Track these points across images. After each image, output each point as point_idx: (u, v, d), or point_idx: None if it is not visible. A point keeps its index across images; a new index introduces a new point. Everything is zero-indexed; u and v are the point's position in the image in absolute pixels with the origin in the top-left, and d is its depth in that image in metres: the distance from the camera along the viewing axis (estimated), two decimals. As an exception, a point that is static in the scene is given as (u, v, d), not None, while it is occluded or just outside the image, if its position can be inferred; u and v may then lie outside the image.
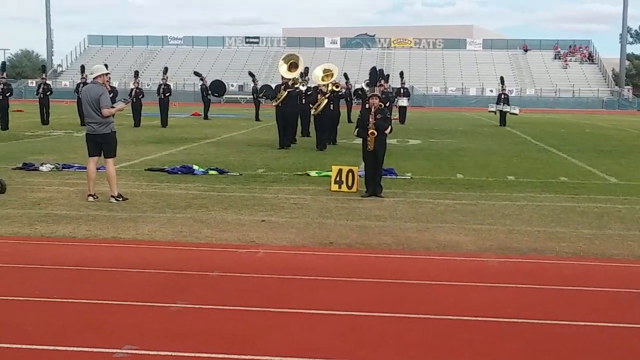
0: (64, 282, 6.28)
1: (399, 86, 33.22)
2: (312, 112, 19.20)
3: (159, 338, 4.91)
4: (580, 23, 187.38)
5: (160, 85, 28.76)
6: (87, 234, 8.21)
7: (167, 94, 28.21)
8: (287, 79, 18.85)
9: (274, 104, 19.01)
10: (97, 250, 7.50)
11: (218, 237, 8.13)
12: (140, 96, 26.90)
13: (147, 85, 28.64)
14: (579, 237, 8.36)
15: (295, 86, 19.15)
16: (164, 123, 27.34)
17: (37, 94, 28.41)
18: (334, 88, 20.31)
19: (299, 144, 19.73)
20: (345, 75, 31.62)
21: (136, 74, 28.07)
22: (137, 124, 26.59)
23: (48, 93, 28.03)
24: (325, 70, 19.78)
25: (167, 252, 7.45)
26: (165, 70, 29.75)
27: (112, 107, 10.41)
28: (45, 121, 27.29)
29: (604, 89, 72.93)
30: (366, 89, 21.54)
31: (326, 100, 18.54)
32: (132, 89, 26.92)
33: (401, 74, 33.65)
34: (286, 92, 18.51)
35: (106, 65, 21.68)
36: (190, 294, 5.96)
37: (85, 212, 9.42)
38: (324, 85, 18.94)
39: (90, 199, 10.25)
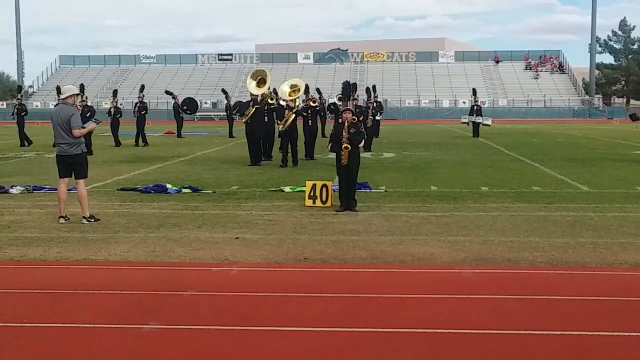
0: (34, 306, 6.16)
1: (372, 100, 33.27)
2: (279, 128, 18.91)
3: (130, 361, 4.83)
4: (550, 34, 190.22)
5: (136, 103, 28.57)
6: (57, 256, 8.09)
7: (142, 112, 28.02)
8: (256, 95, 18.71)
9: (243, 121, 18.85)
10: (67, 273, 7.38)
11: (191, 256, 8.05)
12: (118, 115, 26.65)
13: (121, 105, 28.20)
14: (552, 246, 8.40)
15: (271, 102, 19.09)
16: (144, 141, 27.19)
17: (12, 115, 28.16)
18: (311, 104, 20.54)
19: (274, 160, 19.68)
20: (318, 90, 31.79)
21: (114, 93, 27.63)
22: (117, 143, 26.36)
23: (22, 114, 27.67)
24: (292, 86, 19.54)
25: (139, 273, 7.36)
26: (142, 88, 29.53)
27: (83, 128, 10.30)
28: (27, 142, 27.06)
29: (574, 98, 73.88)
30: (339, 103, 21.55)
31: (294, 116, 18.27)
32: (109, 108, 26.58)
33: (373, 87, 33.72)
34: (254, 109, 18.38)
35: (82, 86, 21.47)
36: (162, 314, 5.88)
37: (56, 234, 9.29)
38: (291, 100, 18.70)
39: (62, 220, 10.12)
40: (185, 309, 6.06)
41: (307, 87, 22.63)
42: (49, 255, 8.11)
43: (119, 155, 22.43)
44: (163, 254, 8.14)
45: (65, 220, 10.13)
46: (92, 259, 7.94)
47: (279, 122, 18.88)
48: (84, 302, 6.28)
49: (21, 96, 29.82)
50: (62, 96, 10.58)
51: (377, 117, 32.04)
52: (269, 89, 19.53)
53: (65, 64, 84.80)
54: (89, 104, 25.56)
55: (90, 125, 10.90)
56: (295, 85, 19.59)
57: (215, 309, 6.06)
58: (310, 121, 20.45)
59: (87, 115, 24.35)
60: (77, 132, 10.11)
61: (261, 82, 19.02)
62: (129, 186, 13.93)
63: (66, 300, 6.35)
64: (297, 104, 18.94)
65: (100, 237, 9.07)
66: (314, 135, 20.59)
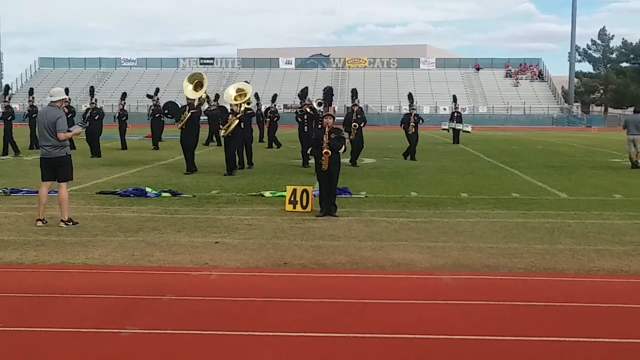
0: (10, 310, 6.09)
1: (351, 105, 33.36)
2: (221, 134, 17.99)
3: (107, 365, 4.79)
4: (530, 42, 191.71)
5: (151, 106, 28.83)
6: (35, 259, 8.01)
7: (156, 115, 27.95)
8: (192, 99, 17.75)
9: (178, 126, 17.77)
10: (44, 277, 7.31)
11: (170, 260, 8.01)
12: (124, 118, 26.43)
13: (100, 108, 27.71)
14: (531, 253, 8.45)
15: (248, 107, 18.57)
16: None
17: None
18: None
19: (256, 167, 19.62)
20: (256, 95, 32.52)
21: (91, 90, 26.72)
22: (94, 152, 25.63)
23: (9, 118, 24.91)
24: (238, 90, 18.58)
25: (118, 277, 7.30)
26: (156, 91, 29.23)
27: (69, 131, 10.24)
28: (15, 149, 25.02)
29: (553, 106, 74.51)
30: (318, 108, 21.25)
31: (237, 121, 17.30)
32: (87, 109, 25.19)
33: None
34: (190, 114, 17.41)
35: (67, 90, 20.91)
36: (140, 318, 5.83)
37: (34, 238, 9.20)
38: (235, 105, 17.80)
39: (39, 223, 10.02)
40: (163, 314, 6.02)
41: (274, 95, 21.79)
42: (25, 259, 8.02)
43: (98, 158, 22.27)
44: (142, 258, 8.09)
45: (43, 223, 10.03)
46: (69, 263, 7.87)
47: (221, 126, 17.93)
48: (61, 307, 6.22)
49: (9, 98, 28.29)
50: (52, 98, 10.41)
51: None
52: (245, 96, 18.58)
53: (44, 66, 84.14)
54: (97, 106, 25.24)
55: (75, 128, 10.83)
56: (242, 90, 18.65)
57: (194, 313, 6.02)
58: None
59: (96, 117, 24.17)
60: (62, 135, 10.06)
61: (198, 85, 18.11)
62: (108, 189, 13.83)
63: (43, 304, 6.28)
64: (242, 109, 18.10)
65: (78, 241, 9.00)
66: (248, 141, 19.37)
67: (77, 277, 7.26)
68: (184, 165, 17.62)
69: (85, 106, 26.76)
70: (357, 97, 20.76)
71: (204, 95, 18.60)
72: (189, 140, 17.71)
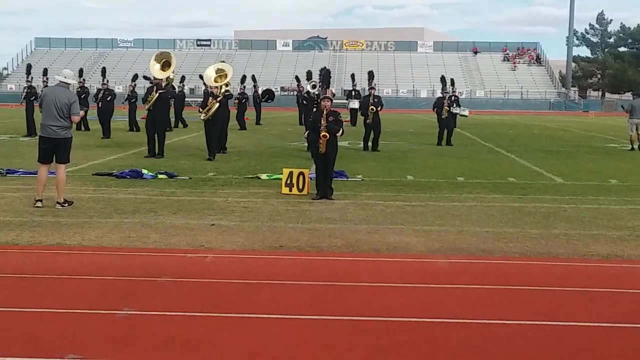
0: (6, 291, 6.10)
1: (350, 89, 33.36)
2: (201, 117, 17.02)
3: (104, 346, 4.80)
4: (528, 26, 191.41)
5: (129, 92, 28.18)
6: (30, 240, 8.01)
7: (132, 100, 27.48)
8: (159, 79, 17.06)
9: (145, 107, 17.15)
10: (40, 257, 7.32)
11: (166, 242, 8.01)
12: (134, 100, 25.84)
13: (112, 89, 27.25)
14: (526, 237, 8.48)
15: (226, 89, 17.47)
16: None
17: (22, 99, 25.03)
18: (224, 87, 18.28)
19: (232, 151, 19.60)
20: (253, 77, 34.37)
21: (103, 71, 26.32)
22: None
23: (32, 98, 24.01)
24: (218, 70, 17.59)
25: (114, 258, 7.31)
26: (135, 77, 28.45)
27: (79, 114, 10.30)
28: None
29: (551, 91, 74.52)
30: (312, 91, 20.97)
31: (217, 105, 16.59)
32: (99, 90, 25.10)
33: (352, 76, 33.74)
34: (158, 94, 16.80)
35: (81, 71, 20.02)
36: (137, 300, 5.85)
37: (30, 218, 9.19)
38: (215, 87, 16.99)
39: (38, 204, 9.96)
40: (159, 295, 6.03)
41: (243, 77, 20.76)
42: (21, 240, 8.02)
43: (95, 139, 22.23)
44: (138, 240, 8.10)
45: (42, 204, 10.00)
46: (65, 244, 7.87)
47: (200, 109, 17.07)
48: (57, 287, 6.23)
49: (84, 80, 27.17)
50: (65, 80, 10.29)
51: (354, 106, 32.22)
52: (226, 77, 17.49)
53: (40, 46, 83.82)
54: (110, 87, 25.12)
55: (81, 112, 10.79)
56: (222, 70, 17.63)
57: (190, 295, 6.04)
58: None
59: (108, 99, 24.13)
60: (76, 118, 10.16)
61: (166, 65, 17.35)
62: (104, 171, 13.82)
63: (39, 285, 6.29)
64: (222, 91, 17.19)
65: (75, 222, 8.99)
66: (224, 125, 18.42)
67: (73, 258, 7.27)
68: (181, 148, 17.59)
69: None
70: (373, 80, 20.39)
71: (171, 75, 17.85)
72: (157, 122, 17.06)
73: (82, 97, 25.97)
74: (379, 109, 19.61)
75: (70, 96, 10.11)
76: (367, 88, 20.70)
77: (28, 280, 6.43)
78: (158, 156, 16.70)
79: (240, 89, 30.61)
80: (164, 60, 17.44)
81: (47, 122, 10.06)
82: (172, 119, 26.45)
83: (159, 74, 17.21)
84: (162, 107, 17.30)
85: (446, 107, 21.70)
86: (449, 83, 22.81)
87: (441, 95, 22.75)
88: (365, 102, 19.89)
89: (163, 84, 17.14)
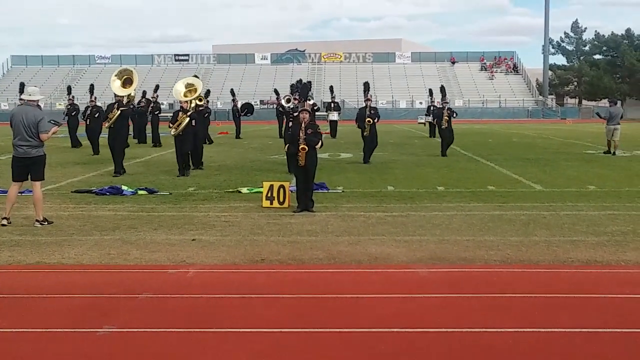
0: (-15, 312, 6.04)
1: (330, 100, 33.42)
2: (171, 132, 16.57)
3: (84, 365, 4.76)
4: (503, 35, 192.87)
5: (151, 103, 28.50)
6: (9, 259, 7.93)
7: (156, 112, 27.64)
8: (121, 96, 16.85)
9: (106, 125, 16.89)
10: (20, 277, 7.25)
11: (147, 258, 7.97)
12: (74, 113, 25.87)
13: (100, 106, 26.95)
14: (507, 245, 8.52)
15: (200, 104, 17.39)
16: (157, 141, 27.46)
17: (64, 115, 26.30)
18: (197, 102, 18.64)
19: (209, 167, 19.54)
20: (232, 91, 34.54)
21: (91, 88, 26.46)
22: (95, 151, 23.85)
23: (73, 113, 26.11)
24: (188, 85, 17.62)
25: (94, 276, 7.26)
26: (156, 88, 27.82)
27: (48, 132, 10.11)
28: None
29: (528, 99, 75.07)
30: (286, 105, 20.79)
31: (187, 119, 16.16)
32: (87, 107, 24.80)
33: (331, 88, 33.80)
34: (119, 112, 16.58)
35: (69, 88, 19.37)
36: (117, 317, 5.80)
37: (8, 238, 9.10)
38: (185, 102, 16.69)
39: (4, 222, 9.88)
40: (140, 312, 5.99)
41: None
42: (0, 259, 7.94)
43: (73, 157, 22.08)
44: (118, 257, 8.04)
45: (8, 222, 9.90)
46: (45, 263, 7.80)
47: (170, 125, 16.54)
48: (37, 307, 6.17)
49: (73, 97, 27.27)
50: (31, 97, 10.25)
51: (333, 118, 32.31)
52: (195, 91, 17.49)
53: (17, 64, 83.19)
54: (97, 104, 24.82)
55: (53, 128, 10.62)
56: (192, 85, 17.66)
57: (171, 311, 6.01)
58: (194, 122, 17.29)
59: (96, 115, 23.53)
60: (44, 136, 9.98)
61: (127, 82, 17.12)
62: (83, 188, 13.73)
63: (18, 304, 6.23)
64: (192, 105, 17.04)
65: (54, 240, 8.92)
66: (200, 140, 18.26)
67: (52, 277, 7.20)
68: (162, 163, 17.46)
69: (60, 105, 26.32)
70: (369, 91, 20.28)
71: (133, 93, 17.68)
72: (117, 140, 16.86)
73: (72, 114, 26.15)
74: (375, 120, 19.45)
75: (37, 114, 9.97)
76: (364, 100, 20.41)
77: (7, 300, 6.36)
78: (116, 174, 16.33)
79: (204, 103, 30.26)
80: (125, 77, 17.28)
81: (17, 142, 10.03)
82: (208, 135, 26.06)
83: (120, 91, 17.02)
84: (123, 125, 17.17)
85: (446, 117, 21.73)
86: (434, 94, 22.87)
87: (441, 106, 22.71)
88: (362, 114, 19.55)
89: (124, 101, 16.96)
